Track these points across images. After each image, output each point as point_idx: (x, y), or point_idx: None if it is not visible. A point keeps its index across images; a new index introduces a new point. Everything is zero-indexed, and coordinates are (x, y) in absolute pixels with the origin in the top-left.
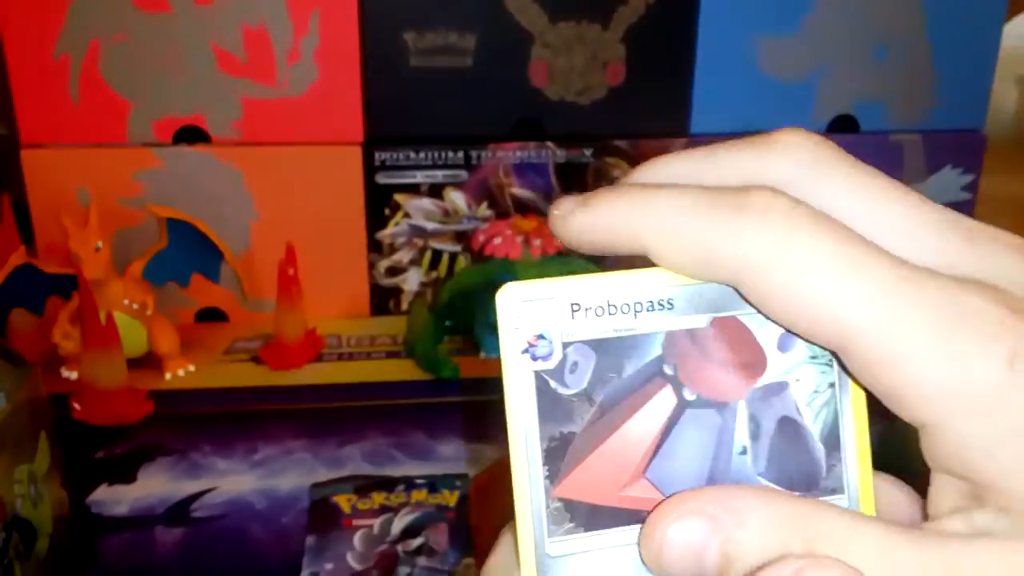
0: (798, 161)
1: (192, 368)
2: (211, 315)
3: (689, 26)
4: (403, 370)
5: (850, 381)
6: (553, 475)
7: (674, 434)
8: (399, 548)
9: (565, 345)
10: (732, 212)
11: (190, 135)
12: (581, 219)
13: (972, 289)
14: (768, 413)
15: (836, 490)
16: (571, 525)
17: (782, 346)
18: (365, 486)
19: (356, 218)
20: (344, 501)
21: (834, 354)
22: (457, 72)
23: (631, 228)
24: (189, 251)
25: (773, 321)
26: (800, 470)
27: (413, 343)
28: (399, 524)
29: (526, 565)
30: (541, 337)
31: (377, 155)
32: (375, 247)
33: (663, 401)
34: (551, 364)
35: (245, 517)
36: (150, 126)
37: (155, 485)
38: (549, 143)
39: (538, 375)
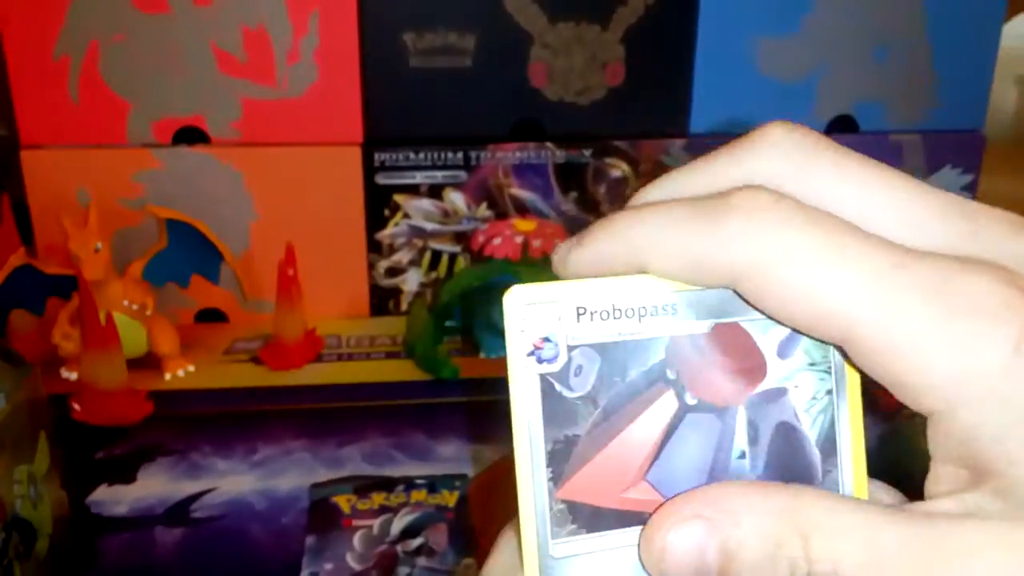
0: (784, 153)
1: (192, 368)
2: (211, 315)
3: (688, 26)
4: (403, 370)
5: (847, 388)
6: (557, 477)
7: (675, 438)
8: (398, 548)
9: (570, 348)
10: (718, 216)
11: (190, 136)
12: (577, 256)
13: (976, 269)
14: (767, 418)
15: None
16: (574, 527)
17: (782, 353)
18: (365, 486)
19: (356, 219)
20: (344, 501)
21: (840, 349)
22: (456, 73)
23: (626, 251)
24: (189, 252)
25: (775, 320)
26: (796, 475)
27: (413, 343)
28: (399, 524)
29: (529, 567)
30: (547, 340)
31: (377, 156)
32: (375, 248)
33: (665, 405)
34: (556, 367)
35: (245, 517)
36: (150, 127)
37: (155, 485)
38: (548, 143)
39: (543, 377)
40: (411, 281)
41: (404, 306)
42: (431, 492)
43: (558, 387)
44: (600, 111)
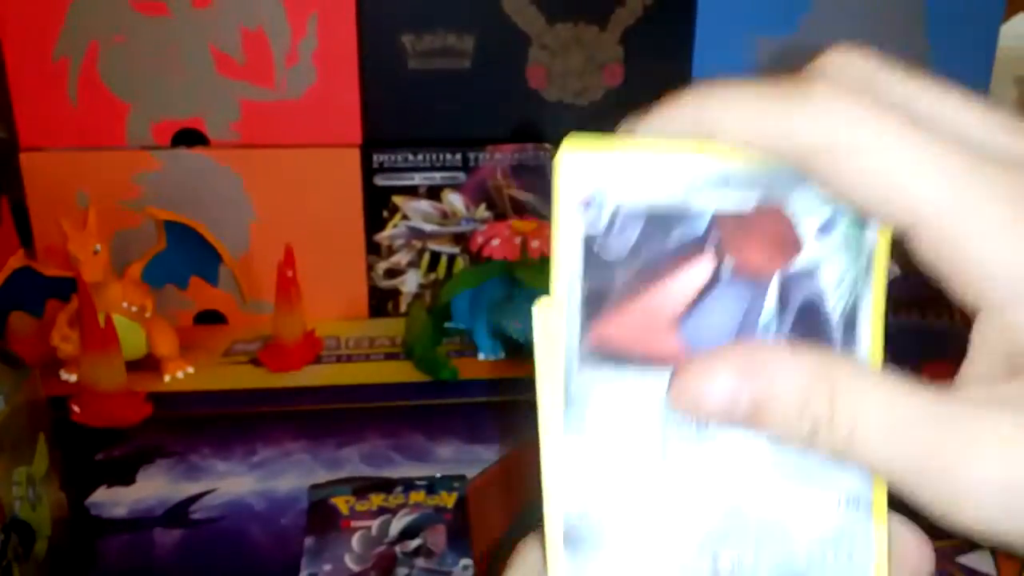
0: (855, 62)
1: (191, 370)
2: (210, 317)
3: (687, 27)
4: (402, 372)
5: (875, 277)
6: (589, 319)
7: (708, 300)
8: (397, 549)
9: (616, 208)
10: (800, 97)
11: (189, 137)
12: (648, 121)
13: None
14: (796, 293)
15: None
16: (602, 365)
17: (819, 234)
18: (363, 487)
19: (354, 220)
20: (342, 502)
21: (893, 239)
22: (455, 74)
23: (697, 119)
24: (188, 253)
25: (837, 200)
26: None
27: (412, 345)
28: (397, 525)
29: (553, 398)
30: (594, 197)
31: (375, 157)
32: (373, 249)
33: (702, 269)
34: (601, 224)
35: (244, 519)
36: (149, 128)
37: (154, 487)
38: (547, 145)
39: (587, 232)
40: (410, 282)
41: (403, 307)
42: (430, 493)
43: (600, 243)
44: (599, 112)
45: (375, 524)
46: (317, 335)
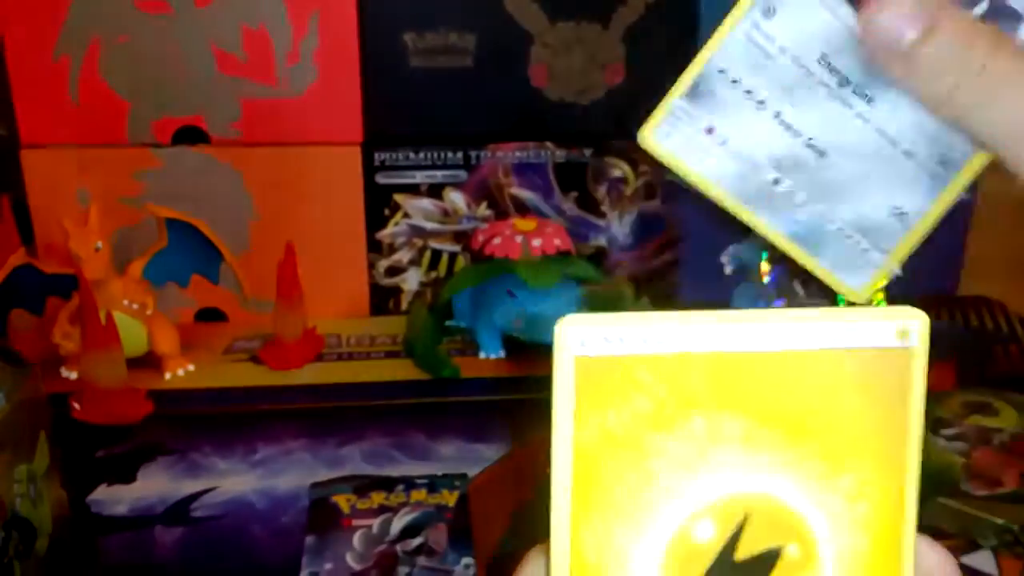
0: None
1: (192, 368)
2: (211, 315)
3: (689, 25)
4: (403, 370)
5: None
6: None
7: None
8: (398, 548)
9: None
10: None
11: (190, 135)
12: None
13: None
14: None
15: None
16: None
17: None
18: (364, 486)
19: (356, 218)
20: (343, 501)
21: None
22: (457, 72)
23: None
24: (189, 251)
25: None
26: None
27: (413, 343)
28: (398, 524)
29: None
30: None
31: (376, 155)
32: (374, 247)
33: None
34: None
35: (244, 517)
36: (149, 126)
37: (155, 485)
38: (548, 143)
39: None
40: (411, 280)
41: (404, 305)
42: (431, 492)
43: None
44: (600, 111)
45: (376, 522)
46: (318, 333)
